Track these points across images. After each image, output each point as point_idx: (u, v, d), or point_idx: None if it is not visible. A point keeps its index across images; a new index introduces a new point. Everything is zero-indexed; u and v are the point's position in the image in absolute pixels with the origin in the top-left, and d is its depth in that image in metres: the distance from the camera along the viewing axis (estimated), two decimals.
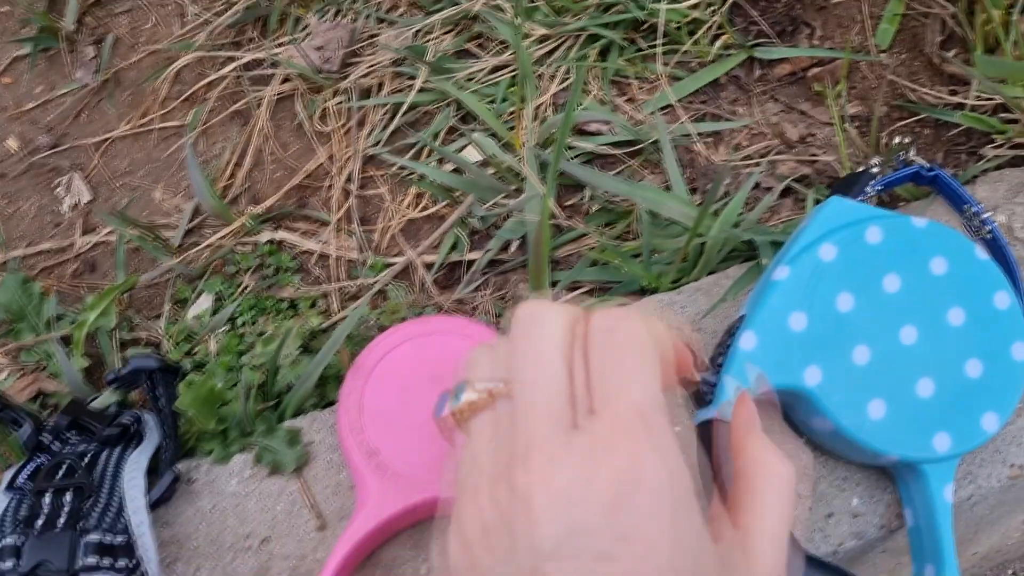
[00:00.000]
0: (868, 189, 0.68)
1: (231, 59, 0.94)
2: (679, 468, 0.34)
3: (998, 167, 0.77)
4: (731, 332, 0.57)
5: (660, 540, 0.32)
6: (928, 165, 0.70)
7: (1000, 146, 0.77)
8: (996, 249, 0.68)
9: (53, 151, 0.93)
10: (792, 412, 0.59)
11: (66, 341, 0.79)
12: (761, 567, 0.38)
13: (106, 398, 0.72)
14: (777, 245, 0.70)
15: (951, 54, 0.85)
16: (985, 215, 0.68)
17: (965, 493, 0.63)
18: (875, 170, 0.67)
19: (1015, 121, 0.77)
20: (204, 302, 0.81)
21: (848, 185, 0.66)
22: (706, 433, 0.55)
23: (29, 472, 0.64)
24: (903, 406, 0.53)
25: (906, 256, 0.56)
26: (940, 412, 0.53)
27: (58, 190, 0.91)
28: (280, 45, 0.94)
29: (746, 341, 0.55)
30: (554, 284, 0.75)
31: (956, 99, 0.82)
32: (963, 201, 0.69)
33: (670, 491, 0.33)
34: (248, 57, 0.93)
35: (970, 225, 0.70)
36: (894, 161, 0.70)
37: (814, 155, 0.81)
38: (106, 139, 0.93)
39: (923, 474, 0.54)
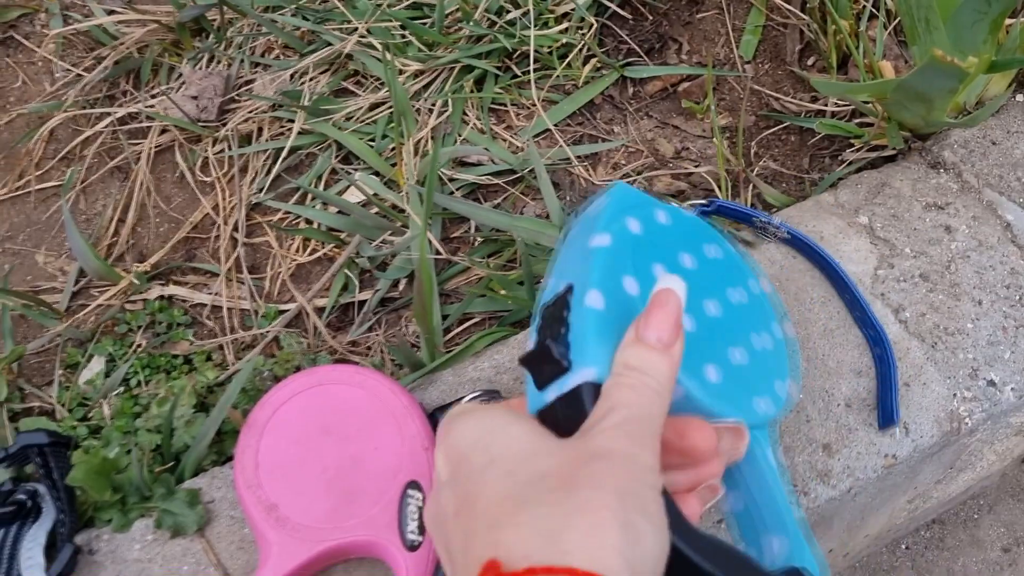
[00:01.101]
0: None
1: (106, 114, 0.93)
2: (490, 413, 0.42)
3: (859, 170, 0.81)
4: (561, 304, 0.48)
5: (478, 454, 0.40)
6: (705, 201, 0.75)
7: (859, 149, 0.81)
8: (801, 244, 0.74)
9: None
10: None
11: None
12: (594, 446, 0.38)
13: None
14: None
15: (810, 62, 0.89)
16: (776, 221, 0.73)
17: (845, 486, 0.66)
18: None
19: (870, 124, 0.81)
20: (96, 365, 0.80)
21: None
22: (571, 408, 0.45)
23: None
24: (729, 370, 0.50)
25: (690, 239, 0.56)
26: (754, 377, 0.52)
27: None
28: (155, 96, 0.93)
29: (593, 299, 0.46)
30: (445, 318, 0.77)
31: (816, 106, 0.85)
32: (750, 217, 0.75)
33: (485, 422, 0.42)
34: (123, 111, 0.92)
35: (765, 233, 0.75)
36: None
37: (688, 169, 0.84)
38: None
39: (752, 440, 0.51)
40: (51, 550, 0.66)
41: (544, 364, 0.45)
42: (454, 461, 0.41)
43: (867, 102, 0.80)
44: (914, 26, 0.75)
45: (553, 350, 0.45)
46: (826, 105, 0.85)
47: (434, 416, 0.66)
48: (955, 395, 0.70)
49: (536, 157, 0.81)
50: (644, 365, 0.41)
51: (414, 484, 0.62)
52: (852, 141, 0.82)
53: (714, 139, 0.85)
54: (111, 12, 0.98)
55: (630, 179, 0.84)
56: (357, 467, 0.63)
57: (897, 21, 0.87)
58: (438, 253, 0.79)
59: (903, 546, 1.03)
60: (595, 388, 0.42)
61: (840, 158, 0.82)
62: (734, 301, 0.54)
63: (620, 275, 0.48)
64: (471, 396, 0.67)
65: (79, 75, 0.96)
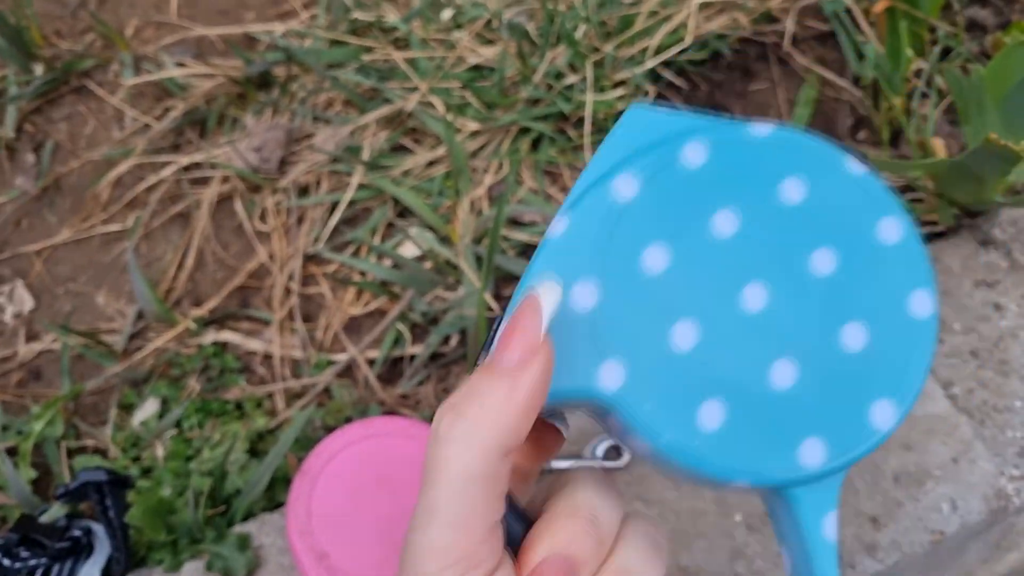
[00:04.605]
0: None
1: (170, 162, 0.96)
2: None
3: None
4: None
5: None
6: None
7: None
8: None
9: None
10: (606, 429, 0.38)
11: (12, 452, 0.79)
12: None
13: (55, 511, 0.72)
14: None
15: (861, 136, 0.91)
16: None
17: (892, 560, 0.66)
18: None
19: (921, 200, 0.82)
20: (150, 407, 0.82)
21: None
22: None
23: None
24: (751, 405, 0.36)
25: (744, 182, 0.38)
26: (807, 408, 0.37)
27: (0, 299, 0.91)
28: (218, 146, 0.96)
29: None
30: None
31: None
32: None
33: None
34: (187, 160, 0.95)
35: None
36: None
37: None
38: (48, 246, 0.94)
39: (792, 502, 0.37)
40: None
41: None
42: None
43: (916, 178, 0.81)
44: (966, 107, 0.76)
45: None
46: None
47: None
48: (1003, 472, 0.70)
49: None
50: (464, 410, 0.31)
51: None
52: None
53: None
54: (181, 65, 1.02)
55: None
56: (409, 519, 0.64)
57: (949, 100, 0.88)
58: (490, 310, 0.80)
59: None
60: None
61: None
62: (817, 273, 0.37)
63: (569, 284, 0.35)
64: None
65: (147, 124, 1.00)
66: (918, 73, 0.89)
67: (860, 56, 0.93)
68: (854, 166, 0.38)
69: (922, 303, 0.37)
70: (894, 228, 0.37)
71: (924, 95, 0.88)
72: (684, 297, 0.36)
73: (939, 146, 0.83)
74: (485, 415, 0.30)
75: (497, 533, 0.31)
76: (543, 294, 0.32)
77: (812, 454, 0.36)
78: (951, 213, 0.80)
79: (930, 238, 0.82)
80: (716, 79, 0.97)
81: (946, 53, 0.92)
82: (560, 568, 0.31)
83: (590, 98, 0.91)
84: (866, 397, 0.37)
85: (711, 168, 0.37)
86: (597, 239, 0.36)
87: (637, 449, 0.37)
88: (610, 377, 0.35)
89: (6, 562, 0.68)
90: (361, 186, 0.91)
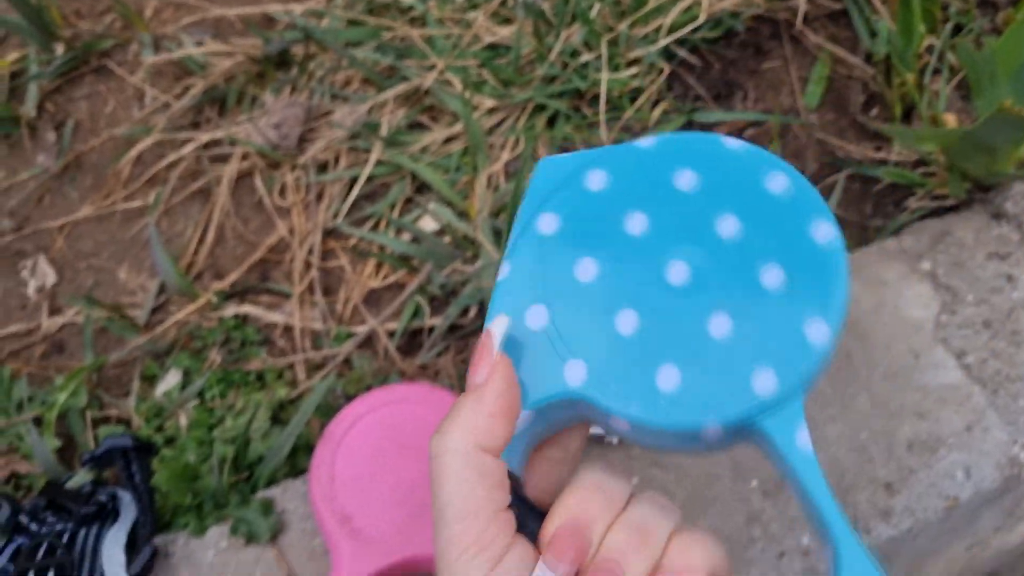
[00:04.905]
0: None
1: (190, 139, 0.97)
2: None
3: (921, 217, 0.83)
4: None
5: None
6: None
7: (921, 198, 0.83)
8: None
9: (17, 235, 0.95)
10: (597, 423, 0.44)
11: (37, 422, 0.81)
12: None
13: (81, 477, 0.74)
14: None
15: (873, 113, 0.91)
16: None
17: (906, 525, 0.67)
18: None
19: (933, 174, 0.83)
20: (172, 378, 0.83)
21: None
22: None
23: (10, 554, 0.65)
24: (700, 359, 0.41)
25: (643, 186, 0.45)
26: (749, 346, 0.41)
27: (23, 273, 0.93)
28: (238, 124, 0.97)
29: None
30: None
31: (880, 155, 0.87)
32: None
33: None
34: (207, 137, 0.96)
35: None
36: None
37: None
38: (69, 221, 0.95)
39: (767, 434, 0.40)
40: (130, 550, 0.68)
41: None
42: None
43: (930, 152, 0.82)
44: (978, 80, 0.77)
45: None
46: (889, 155, 0.87)
47: None
48: (1016, 441, 0.71)
49: None
50: (444, 427, 0.37)
51: None
52: (915, 190, 0.83)
53: None
54: (200, 43, 1.03)
55: None
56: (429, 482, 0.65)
57: (960, 75, 0.89)
58: None
59: None
60: None
61: (902, 206, 0.84)
62: (725, 236, 0.43)
63: (523, 311, 0.42)
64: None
65: (167, 103, 1.01)
66: (930, 49, 0.90)
67: (872, 34, 0.94)
68: (733, 143, 0.45)
69: (823, 230, 0.42)
70: (780, 179, 0.43)
71: (936, 71, 0.89)
72: (618, 291, 0.42)
73: (951, 121, 0.84)
74: (458, 425, 0.36)
75: (504, 518, 0.35)
76: (494, 326, 0.39)
77: (765, 382, 0.40)
78: (963, 187, 0.81)
79: (942, 212, 0.83)
80: (729, 57, 0.97)
81: (958, 30, 0.93)
82: (571, 529, 0.36)
83: (605, 76, 0.92)
84: (798, 322, 0.41)
85: (613, 185, 0.44)
86: (535, 270, 0.42)
87: (619, 430, 0.41)
88: (574, 374, 0.40)
89: (33, 526, 0.69)
90: (379, 162, 0.92)
